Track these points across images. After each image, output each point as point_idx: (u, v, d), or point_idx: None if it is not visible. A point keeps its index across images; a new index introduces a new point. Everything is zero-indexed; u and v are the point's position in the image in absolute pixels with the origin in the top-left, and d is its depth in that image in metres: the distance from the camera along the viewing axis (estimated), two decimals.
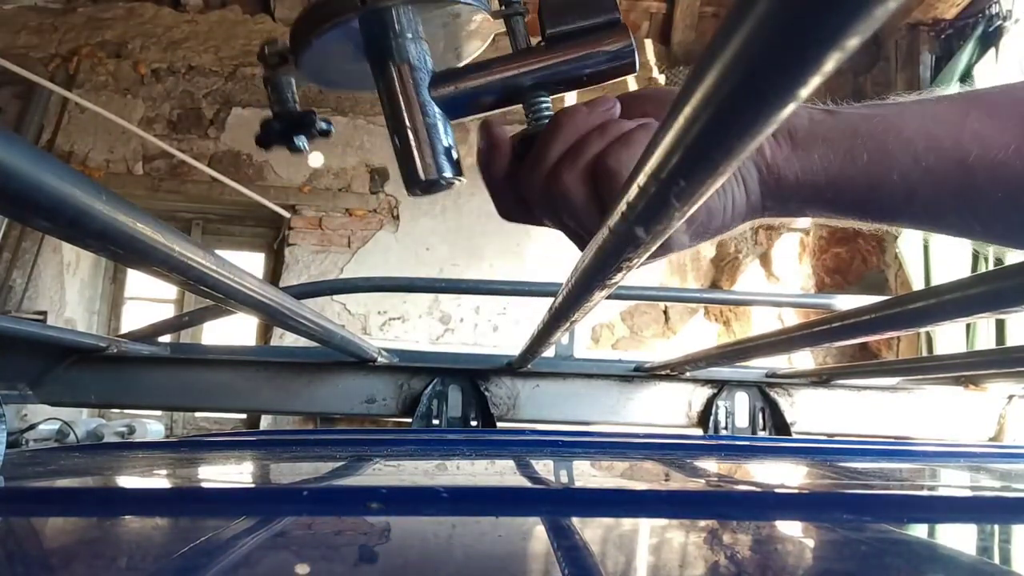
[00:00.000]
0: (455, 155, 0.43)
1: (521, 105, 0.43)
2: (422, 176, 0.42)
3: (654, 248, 0.40)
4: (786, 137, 0.40)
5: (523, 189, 0.42)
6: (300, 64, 0.42)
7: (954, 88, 0.44)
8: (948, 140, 0.38)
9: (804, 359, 3.09)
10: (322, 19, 0.39)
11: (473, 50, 0.47)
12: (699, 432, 1.19)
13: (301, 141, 0.44)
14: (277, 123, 0.43)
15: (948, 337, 2.73)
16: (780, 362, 2.35)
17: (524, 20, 0.44)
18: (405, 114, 0.42)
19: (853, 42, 0.14)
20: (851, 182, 0.40)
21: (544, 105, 0.43)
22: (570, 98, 0.49)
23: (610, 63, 0.42)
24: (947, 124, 0.39)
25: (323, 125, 0.44)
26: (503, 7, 0.44)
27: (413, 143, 0.42)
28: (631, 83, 3.84)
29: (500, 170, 0.43)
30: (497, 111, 0.44)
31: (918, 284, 2.82)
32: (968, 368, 0.89)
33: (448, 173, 0.42)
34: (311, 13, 0.40)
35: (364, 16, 0.39)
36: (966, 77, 2.84)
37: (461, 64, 0.48)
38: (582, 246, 0.40)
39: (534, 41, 0.44)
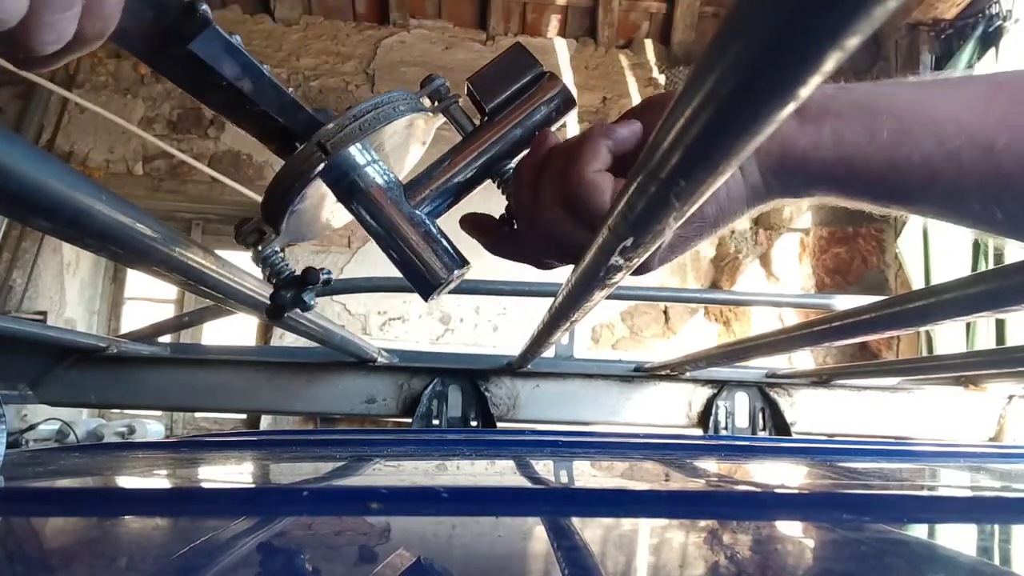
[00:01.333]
0: (453, 248, 0.44)
1: (493, 180, 0.46)
2: (434, 284, 0.43)
3: (652, 251, 0.41)
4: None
5: (524, 246, 0.44)
6: (281, 233, 0.43)
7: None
8: (975, 125, 0.36)
9: (804, 359, 3.09)
10: (290, 186, 0.41)
11: (421, 146, 0.50)
12: (699, 432, 1.19)
13: (310, 298, 0.45)
14: (284, 293, 0.45)
15: (948, 337, 2.73)
16: (780, 362, 2.35)
17: (459, 105, 0.46)
18: (396, 234, 0.43)
19: (853, 42, 0.14)
20: (866, 160, 0.37)
21: (511, 172, 0.45)
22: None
23: (552, 109, 0.45)
24: (973, 108, 0.37)
25: (324, 276, 0.46)
26: (436, 103, 0.46)
27: (414, 258, 0.43)
28: (634, 93, 3.84)
29: (500, 243, 0.46)
30: (474, 191, 0.46)
31: (918, 284, 2.82)
32: (968, 368, 0.89)
33: (457, 270, 0.44)
34: (277, 187, 0.41)
35: (325, 169, 0.41)
36: None
37: (416, 161, 0.50)
38: None
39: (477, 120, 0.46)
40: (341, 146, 0.40)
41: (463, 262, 0.44)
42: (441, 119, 0.46)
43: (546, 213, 0.41)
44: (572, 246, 0.41)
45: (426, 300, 0.45)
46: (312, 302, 0.46)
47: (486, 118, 0.45)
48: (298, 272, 0.45)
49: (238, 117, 0.41)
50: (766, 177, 0.40)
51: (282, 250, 0.46)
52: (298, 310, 0.45)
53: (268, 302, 0.46)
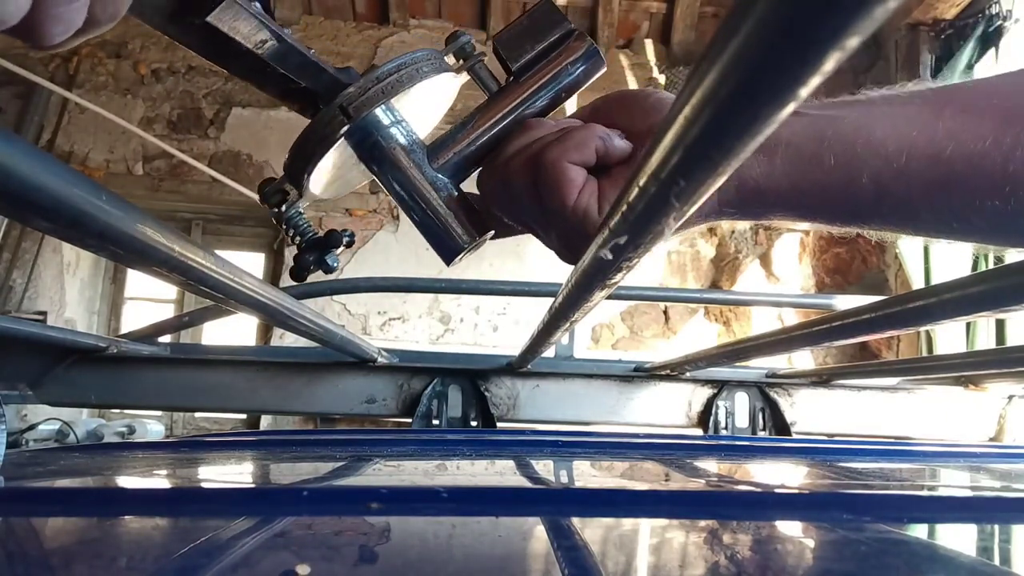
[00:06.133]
0: (476, 212, 0.44)
1: None
2: (455, 249, 0.43)
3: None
4: None
5: (483, 180, 0.44)
6: (304, 193, 0.43)
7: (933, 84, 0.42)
8: (921, 139, 0.37)
9: (804, 359, 3.09)
10: (313, 149, 0.40)
11: (446, 106, 0.49)
12: (699, 432, 1.19)
13: (332, 259, 0.45)
14: (308, 255, 0.44)
15: (948, 337, 2.73)
16: (780, 362, 2.35)
17: (485, 64, 0.45)
18: (418, 197, 0.42)
19: (853, 42, 0.14)
20: (816, 185, 0.39)
21: None
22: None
23: (581, 70, 0.43)
24: (919, 123, 0.37)
25: (346, 238, 0.45)
26: (460, 61, 0.45)
27: (436, 222, 0.42)
28: (632, 85, 3.84)
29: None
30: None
31: (918, 284, 2.82)
32: (968, 368, 0.89)
33: (479, 236, 0.43)
34: (301, 147, 0.41)
35: (350, 130, 0.40)
36: (966, 77, 2.84)
37: (439, 120, 0.49)
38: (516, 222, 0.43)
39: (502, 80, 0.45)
40: (363, 110, 0.40)
41: (485, 227, 0.43)
42: (465, 77, 0.45)
43: (513, 167, 0.41)
44: (521, 224, 0.42)
45: (448, 265, 0.44)
46: (335, 264, 0.45)
47: (512, 78, 0.43)
48: (321, 234, 0.45)
49: (260, 81, 0.40)
50: (722, 203, 0.41)
51: (304, 211, 0.45)
52: (298, 310, 0.45)
53: (268, 301, 0.46)
